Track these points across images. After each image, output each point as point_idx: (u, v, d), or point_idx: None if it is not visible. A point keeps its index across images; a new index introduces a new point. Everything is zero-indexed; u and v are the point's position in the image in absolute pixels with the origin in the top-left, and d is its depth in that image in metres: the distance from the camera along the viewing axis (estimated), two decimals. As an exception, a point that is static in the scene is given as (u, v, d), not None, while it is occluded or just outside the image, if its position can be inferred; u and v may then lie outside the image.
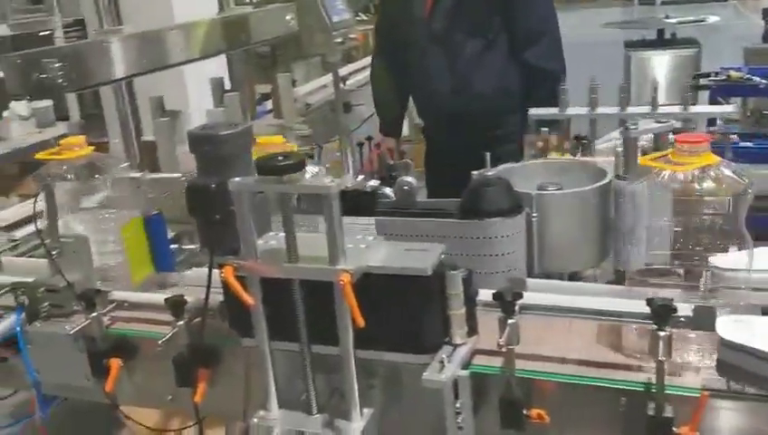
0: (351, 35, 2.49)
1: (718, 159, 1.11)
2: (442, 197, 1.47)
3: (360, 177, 1.90)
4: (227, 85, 2.79)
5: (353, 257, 1.04)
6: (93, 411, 1.30)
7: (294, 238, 1.05)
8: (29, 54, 1.67)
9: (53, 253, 1.30)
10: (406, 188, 1.36)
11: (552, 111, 1.83)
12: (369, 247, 1.10)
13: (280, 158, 1.01)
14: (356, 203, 1.35)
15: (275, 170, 1.00)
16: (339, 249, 1.02)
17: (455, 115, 2.57)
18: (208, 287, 1.15)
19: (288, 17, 2.66)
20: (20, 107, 3.57)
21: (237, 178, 1.03)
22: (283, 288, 1.08)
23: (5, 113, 3.60)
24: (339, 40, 2.48)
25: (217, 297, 1.18)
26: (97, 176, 1.40)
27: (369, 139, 3.40)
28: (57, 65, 1.68)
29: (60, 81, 1.69)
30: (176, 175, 1.44)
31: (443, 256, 1.09)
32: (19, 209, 1.80)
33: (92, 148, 1.46)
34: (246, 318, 1.11)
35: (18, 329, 1.28)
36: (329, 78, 2.58)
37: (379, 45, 2.99)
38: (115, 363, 1.26)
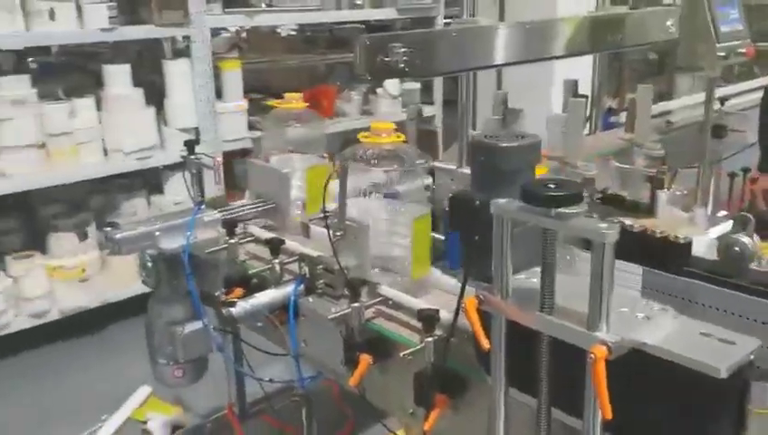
0: (741, 50, 2.08)
1: None
2: None
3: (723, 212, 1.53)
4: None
5: (620, 326, 0.82)
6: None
7: (552, 283, 0.86)
8: (378, 37, 1.72)
9: (337, 234, 1.30)
10: (736, 249, 1.04)
11: None
12: (649, 318, 0.85)
13: (552, 185, 0.82)
14: (664, 253, 1.08)
15: (543, 200, 0.82)
16: (601, 313, 0.80)
17: None
18: (457, 310, 1.03)
19: (669, 23, 2.36)
20: (391, 86, 3.88)
21: (502, 200, 0.88)
22: (531, 335, 0.90)
23: (379, 90, 3.95)
24: (722, 54, 2.11)
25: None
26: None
27: (745, 171, 2.88)
28: (402, 50, 1.71)
29: (401, 65, 1.72)
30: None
31: (753, 357, 0.80)
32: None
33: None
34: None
35: (292, 299, 1.33)
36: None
37: None
38: (365, 359, 1.22)
